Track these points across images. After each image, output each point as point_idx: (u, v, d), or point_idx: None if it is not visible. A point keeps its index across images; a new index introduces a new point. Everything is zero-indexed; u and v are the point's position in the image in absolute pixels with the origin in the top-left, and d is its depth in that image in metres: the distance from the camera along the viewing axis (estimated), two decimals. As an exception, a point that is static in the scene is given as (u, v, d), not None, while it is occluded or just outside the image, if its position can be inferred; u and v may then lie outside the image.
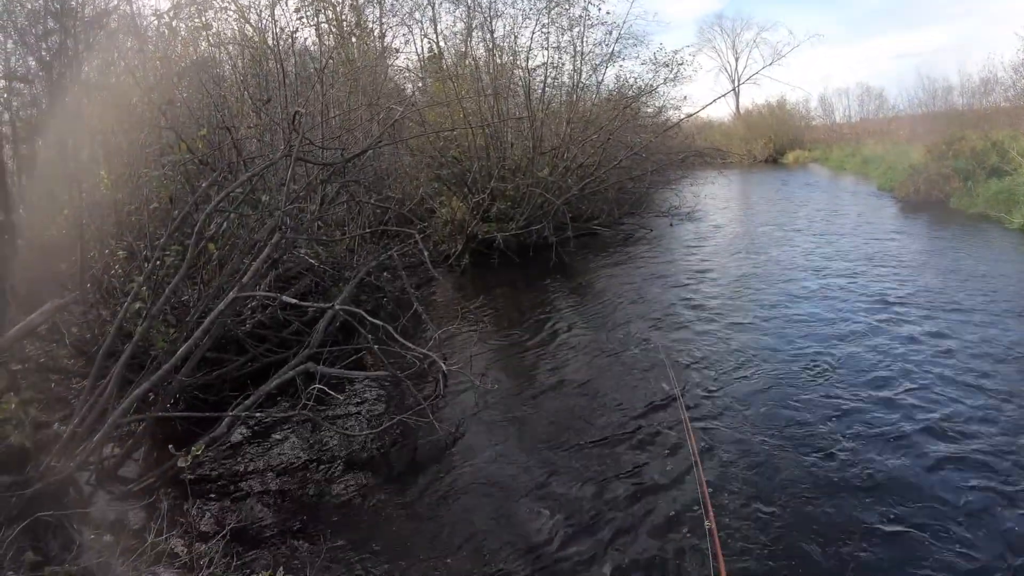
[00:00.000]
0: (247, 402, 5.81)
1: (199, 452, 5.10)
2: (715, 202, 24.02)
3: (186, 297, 6.64)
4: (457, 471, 5.70)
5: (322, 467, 5.88)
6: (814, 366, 7.31)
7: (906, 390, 6.60)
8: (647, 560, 4.30)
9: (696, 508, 4.64)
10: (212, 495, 5.51)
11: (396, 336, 5.96)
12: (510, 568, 4.35)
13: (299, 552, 4.65)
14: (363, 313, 6.17)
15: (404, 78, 18.26)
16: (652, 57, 18.87)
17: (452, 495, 5.35)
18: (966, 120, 26.15)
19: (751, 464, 5.34)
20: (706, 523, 3.55)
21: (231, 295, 5.85)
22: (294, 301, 5.93)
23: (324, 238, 8.49)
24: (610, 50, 17.85)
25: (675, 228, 18.36)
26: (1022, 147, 17.90)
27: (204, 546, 4.59)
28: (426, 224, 14.84)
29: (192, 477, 5.44)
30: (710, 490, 4.81)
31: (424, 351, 6.15)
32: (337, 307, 6.13)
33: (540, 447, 5.94)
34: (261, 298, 6.38)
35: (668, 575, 4.16)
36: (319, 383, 5.86)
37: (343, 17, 16.67)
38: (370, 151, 8.27)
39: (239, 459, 6.07)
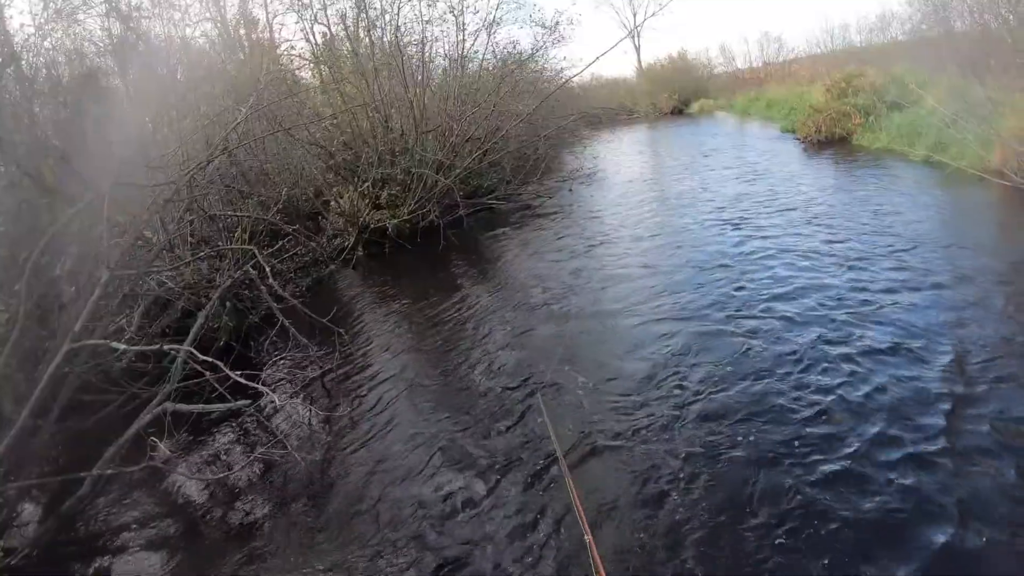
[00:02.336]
0: (107, 455, 5.49)
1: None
2: (619, 159, 24.02)
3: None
4: (324, 497, 5.45)
5: (198, 508, 5.62)
6: (733, 328, 7.23)
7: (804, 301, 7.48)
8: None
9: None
10: (93, 555, 5.17)
11: (225, 369, 5.54)
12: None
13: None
14: (191, 350, 5.73)
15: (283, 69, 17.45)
16: (533, 18, 18.62)
17: (321, 518, 5.15)
18: (865, 57, 26.50)
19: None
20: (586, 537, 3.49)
21: (65, 347, 5.38)
22: (123, 347, 5.43)
23: (172, 264, 7.86)
24: (492, 17, 17.45)
25: (575, 192, 18.21)
26: (921, 79, 18.06)
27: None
28: (321, 216, 14.40)
29: (67, 540, 5.28)
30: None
31: (257, 385, 5.74)
32: (168, 347, 5.69)
33: (411, 459, 5.69)
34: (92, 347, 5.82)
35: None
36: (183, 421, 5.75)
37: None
38: (216, 160, 7.66)
39: (116, 512, 5.69)
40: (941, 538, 3.84)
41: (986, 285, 7.34)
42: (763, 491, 4.49)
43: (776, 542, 4.00)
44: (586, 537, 3.49)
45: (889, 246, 9.08)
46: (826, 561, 3.80)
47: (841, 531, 4.00)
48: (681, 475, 4.80)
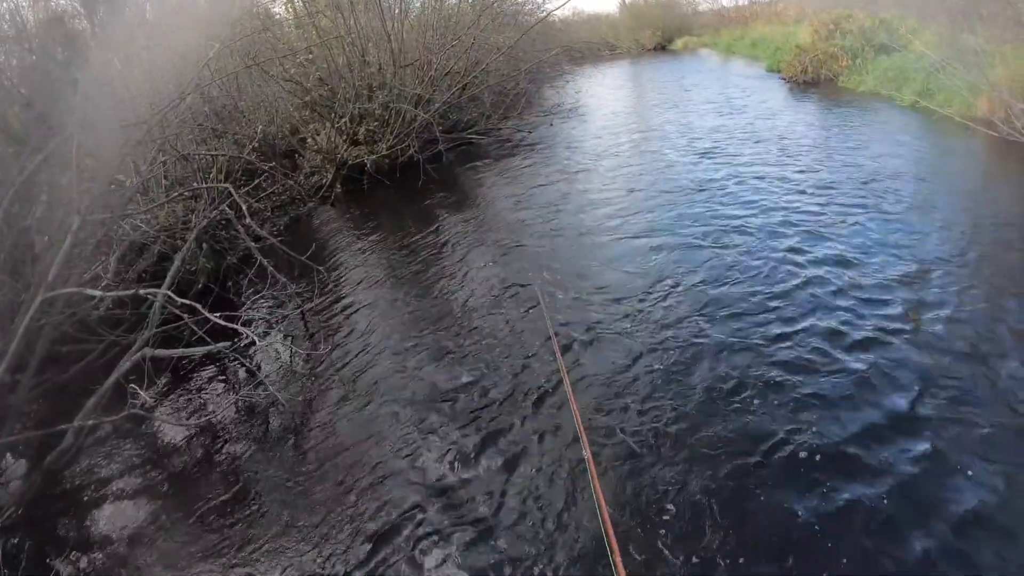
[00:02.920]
0: (88, 405, 5.44)
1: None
2: (601, 94, 23.67)
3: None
4: (308, 436, 5.47)
5: (182, 454, 5.60)
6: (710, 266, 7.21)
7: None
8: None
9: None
10: (79, 508, 5.16)
11: (203, 311, 5.52)
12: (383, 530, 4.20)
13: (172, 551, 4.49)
14: (169, 293, 5.68)
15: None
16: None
17: (306, 457, 5.19)
18: (853, 1, 25.94)
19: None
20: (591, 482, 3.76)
21: (39, 298, 5.30)
22: (99, 294, 5.36)
23: (146, 207, 7.68)
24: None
25: (556, 126, 17.95)
26: (911, 25, 17.78)
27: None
28: (297, 154, 14.18)
29: (53, 495, 5.25)
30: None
31: (236, 326, 5.72)
32: (144, 292, 5.61)
33: (395, 399, 5.66)
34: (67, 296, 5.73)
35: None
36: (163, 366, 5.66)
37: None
38: (189, 97, 7.40)
39: (100, 463, 5.68)
40: (885, 402, 4.53)
41: (952, 220, 7.54)
42: (731, 371, 5.14)
43: (743, 407, 4.68)
44: (584, 452, 3.66)
45: (863, 180, 9.23)
46: (780, 419, 4.50)
47: (797, 398, 4.69)
48: (665, 361, 5.43)
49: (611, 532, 2.96)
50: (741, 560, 3.50)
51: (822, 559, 3.43)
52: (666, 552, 3.61)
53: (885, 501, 3.68)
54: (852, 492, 3.76)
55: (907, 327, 5.35)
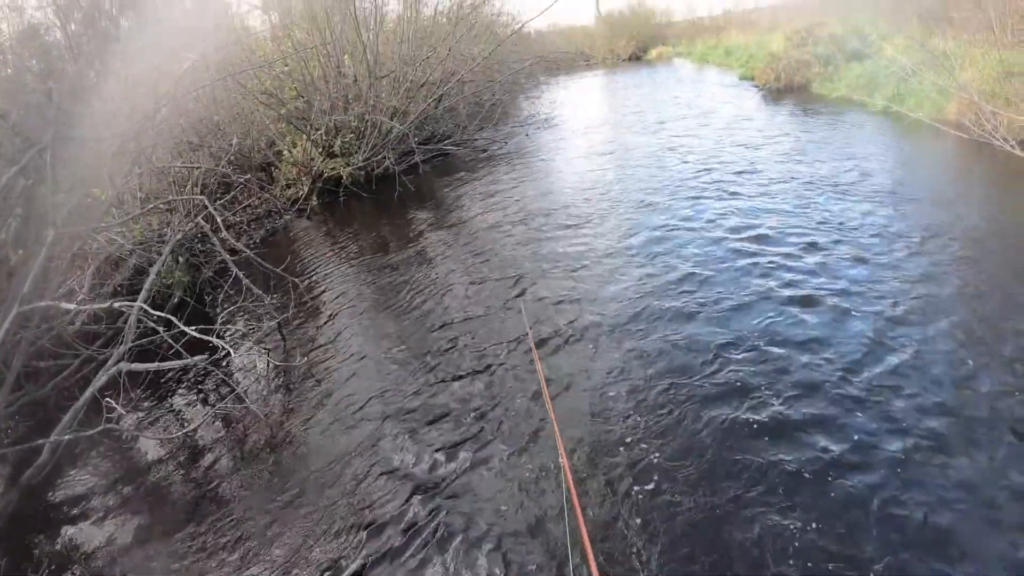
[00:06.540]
0: (64, 420, 5.39)
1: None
2: (576, 104, 23.79)
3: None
4: (286, 448, 5.44)
5: (159, 469, 5.52)
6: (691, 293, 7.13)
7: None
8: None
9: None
10: (56, 524, 5.10)
11: (179, 324, 5.49)
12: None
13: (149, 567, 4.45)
14: (144, 307, 5.64)
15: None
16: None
17: (282, 472, 5.14)
18: (827, 8, 26.44)
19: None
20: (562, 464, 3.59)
21: (14, 311, 5.24)
22: (74, 307, 5.31)
23: (121, 220, 7.60)
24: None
25: (531, 138, 18.00)
26: (883, 31, 18.20)
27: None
28: (273, 167, 14.13)
29: (29, 512, 5.19)
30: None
31: (212, 339, 5.67)
32: (119, 305, 5.56)
33: (370, 412, 5.65)
34: (43, 310, 5.66)
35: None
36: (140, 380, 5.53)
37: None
38: (164, 110, 7.31)
39: (77, 478, 5.61)
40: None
41: (921, 218, 7.87)
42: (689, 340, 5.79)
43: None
44: (561, 458, 3.79)
45: (833, 183, 9.52)
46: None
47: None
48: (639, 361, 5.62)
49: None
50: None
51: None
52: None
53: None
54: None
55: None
